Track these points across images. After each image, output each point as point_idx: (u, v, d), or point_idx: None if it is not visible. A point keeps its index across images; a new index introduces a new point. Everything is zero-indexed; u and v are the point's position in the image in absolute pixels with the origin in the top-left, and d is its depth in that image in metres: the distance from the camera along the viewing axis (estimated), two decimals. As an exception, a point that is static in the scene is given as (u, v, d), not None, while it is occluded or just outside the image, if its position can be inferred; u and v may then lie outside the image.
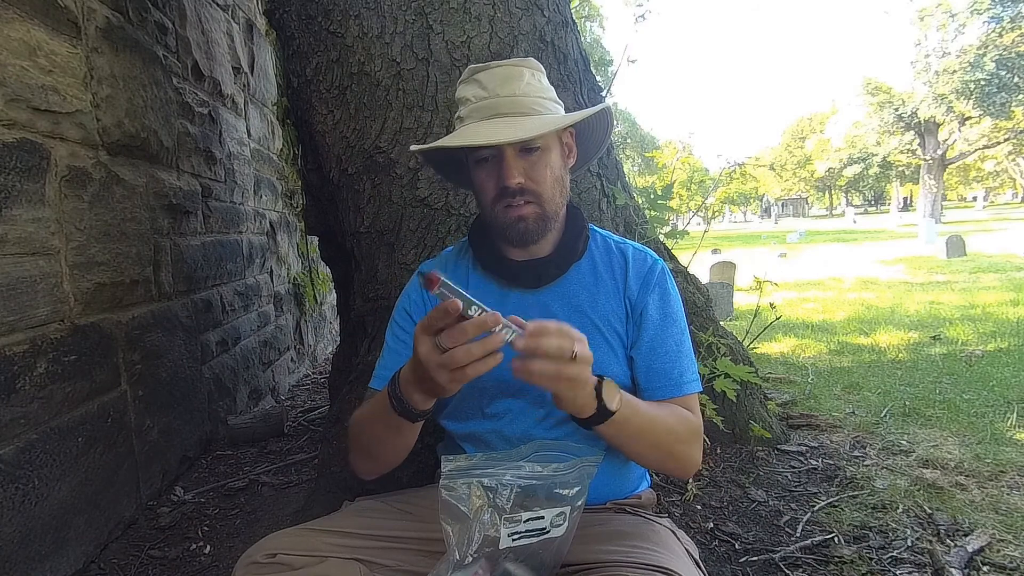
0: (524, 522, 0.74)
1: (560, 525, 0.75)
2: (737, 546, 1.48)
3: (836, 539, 1.48)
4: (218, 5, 2.66)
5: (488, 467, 0.76)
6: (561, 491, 0.76)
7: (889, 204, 47.11)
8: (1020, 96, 20.72)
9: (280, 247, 3.47)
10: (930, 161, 25.39)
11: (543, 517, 0.74)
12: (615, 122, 1.02)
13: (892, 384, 2.82)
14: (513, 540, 0.73)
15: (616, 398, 0.76)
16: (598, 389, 0.74)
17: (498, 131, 0.84)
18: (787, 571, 1.36)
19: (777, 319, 3.27)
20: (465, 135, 0.86)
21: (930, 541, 1.43)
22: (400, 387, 0.75)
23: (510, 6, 1.61)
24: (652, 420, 0.82)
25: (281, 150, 3.61)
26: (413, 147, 0.94)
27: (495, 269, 0.95)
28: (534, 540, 0.74)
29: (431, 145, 0.91)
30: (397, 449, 0.86)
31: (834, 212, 52.77)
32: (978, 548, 1.38)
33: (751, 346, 3.14)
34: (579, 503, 0.77)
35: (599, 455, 0.80)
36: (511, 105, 0.86)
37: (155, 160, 1.99)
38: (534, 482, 0.75)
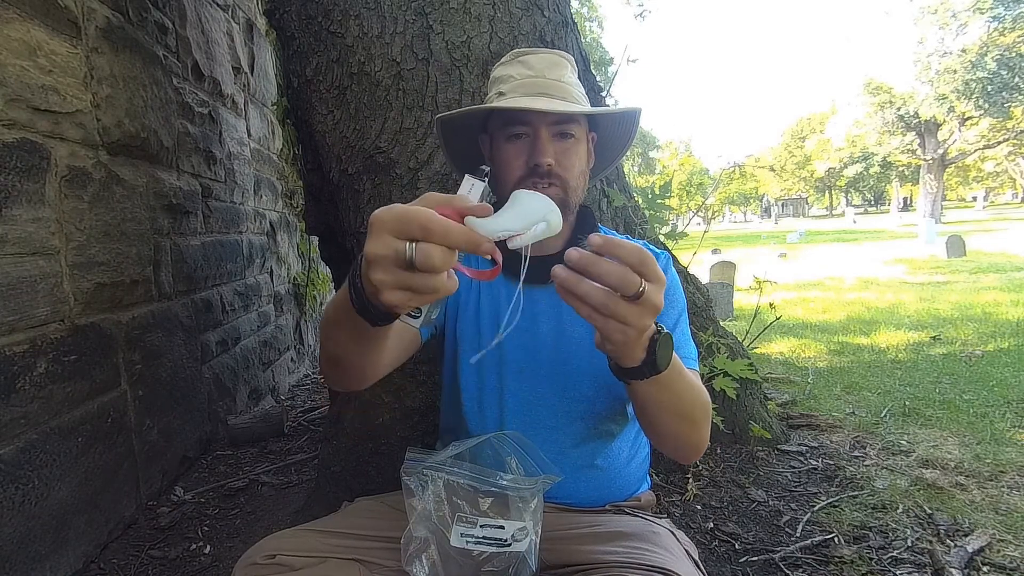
0: (480, 527, 0.74)
1: (521, 540, 0.75)
2: (737, 546, 1.48)
3: (836, 539, 1.48)
4: (218, 5, 2.66)
5: (451, 465, 0.78)
6: (519, 504, 0.76)
7: (889, 204, 47.12)
8: (1021, 96, 20.72)
9: (280, 247, 3.47)
10: (930, 161, 25.39)
11: (503, 527, 0.75)
12: (635, 135, 1.01)
13: (892, 384, 2.82)
14: (466, 542, 0.74)
15: (670, 357, 0.64)
16: (654, 340, 0.60)
17: (548, 105, 0.82)
18: (787, 571, 1.36)
19: (777, 319, 3.28)
20: (514, 103, 0.83)
21: (930, 541, 1.43)
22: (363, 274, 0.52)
23: (510, 6, 1.60)
24: (691, 387, 0.72)
25: (281, 150, 3.61)
26: (439, 115, 0.91)
27: (504, 264, 0.95)
28: (494, 550, 0.75)
29: (473, 108, 0.88)
30: (363, 355, 0.70)
31: (834, 212, 52.75)
32: (978, 548, 1.38)
33: (751, 346, 3.13)
34: (539, 516, 0.78)
35: (558, 476, 0.82)
36: (559, 89, 0.86)
37: (155, 160, 1.99)
38: (492, 489, 0.77)
